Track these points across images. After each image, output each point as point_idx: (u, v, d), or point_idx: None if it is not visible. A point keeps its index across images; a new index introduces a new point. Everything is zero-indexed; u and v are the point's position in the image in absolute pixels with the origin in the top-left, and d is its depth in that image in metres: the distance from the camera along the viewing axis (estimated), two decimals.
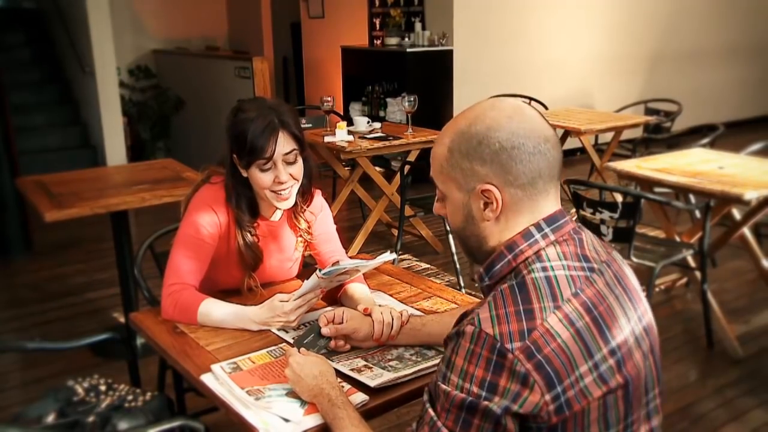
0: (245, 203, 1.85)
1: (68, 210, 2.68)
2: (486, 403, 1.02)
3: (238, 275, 1.91)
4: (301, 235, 1.97)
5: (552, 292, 1.06)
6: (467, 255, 1.26)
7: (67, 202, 2.74)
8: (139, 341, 2.85)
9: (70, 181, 3.11)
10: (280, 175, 1.77)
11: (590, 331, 1.05)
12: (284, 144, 1.76)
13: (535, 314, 1.04)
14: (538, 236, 1.12)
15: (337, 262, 1.68)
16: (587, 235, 1.18)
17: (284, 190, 1.80)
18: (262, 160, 1.75)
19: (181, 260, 1.81)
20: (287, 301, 1.67)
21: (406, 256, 4.55)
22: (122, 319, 3.55)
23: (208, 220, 1.83)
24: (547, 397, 1.01)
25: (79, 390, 1.83)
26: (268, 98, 2.04)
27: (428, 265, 4.39)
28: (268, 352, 1.58)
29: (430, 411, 1.08)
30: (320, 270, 1.62)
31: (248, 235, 1.86)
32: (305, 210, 1.95)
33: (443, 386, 1.07)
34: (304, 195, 1.92)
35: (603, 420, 1.06)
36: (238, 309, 1.74)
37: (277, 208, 1.90)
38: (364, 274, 1.91)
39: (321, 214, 2.00)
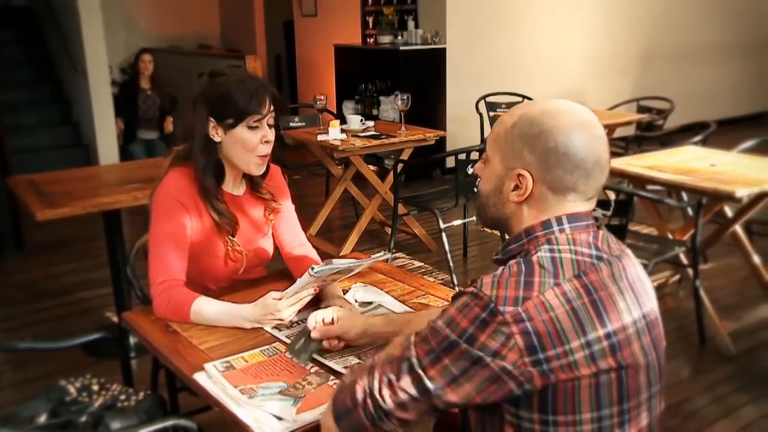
0: (212, 170, 1.86)
1: (60, 209, 2.67)
2: (464, 346, 1.09)
3: (221, 256, 1.92)
4: (267, 207, 1.99)
5: (555, 270, 1.12)
6: (479, 217, 1.32)
7: (58, 202, 2.73)
8: (132, 340, 2.84)
9: (62, 180, 3.10)
10: (268, 134, 1.83)
11: (587, 311, 1.10)
12: (270, 104, 1.82)
13: (533, 286, 1.10)
14: (555, 227, 1.18)
15: (330, 260, 1.68)
16: (604, 232, 1.22)
17: (268, 153, 1.85)
18: (256, 116, 1.79)
19: (163, 257, 1.81)
20: (280, 300, 1.67)
21: (399, 254, 4.55)
22: (115, 319, 3.54)
23: (176, 211, 1.83)
24: (527, 359, 1.07)
25: (72, 390, 1.82)
26: None
27: (422, 264, 4.39)
28: (261, 351, 1.58)
29: (412, 337, 1.16)
30: (313, 268, 1.62)
31: (217, 203, 1.87)
32: (264, 180, 1.98)
33: (430, 325, 1.15)
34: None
35: (595, 400, 1.10)
36: (230, 307, 1.73)
37: (239, 181, 1.94)
38: (358, 273, 1.91)
39: (283, 185, 2.05)
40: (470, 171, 1.32)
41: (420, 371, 1.12)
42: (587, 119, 1.19)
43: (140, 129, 6.15)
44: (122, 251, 3.11)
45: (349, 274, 1.85)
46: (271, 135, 1.83)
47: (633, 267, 1.21)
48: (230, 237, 1.91)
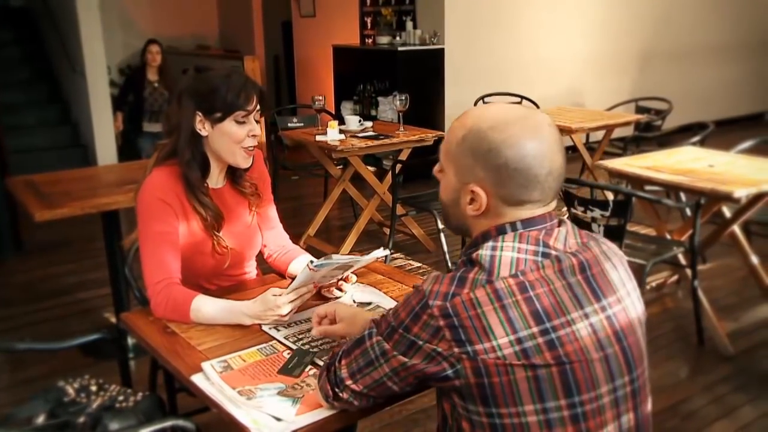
0: (198, 163, 1.87)
1: (59, 210, 2.67)
2: (401, 332, 1.17)
3: (207, 252, 1.92)
4: (249, 198, 2.00)
5: (490, 269, 1.14)
6: (444, 223, 1.36)
7: (57, 202, 2.73)
8: (131, 341, 2.84)
9: (61, 181, 3.10)
10: (255, 129, 1.84)
11: (519, 308, 1.11)
12: (257, 101, 1.84)
13: (466, 283, 1.13)
14: (509, 231, 1.20)
15: (329, 256, 1.67)
16: (565, 228, 1.23)
17: (254, 147, 1.87)
18: (243, 112, 1.81)
19: (157, 256, 1.81)
20: (280, 296, 1.67)
21: (398, 254, 4.55)
22: (113, 319, 3.54)
23: (162, 210, 1.83)
24: (456, 349, 1.12)
25: (70, 390, 1.82)
26: None
27: (420, 264, 4.39)
28: (258, 349, 1.58)
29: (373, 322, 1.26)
30: (312, 262, 1.62)
31: (203, 196, 1.87)
32: (246, 173, 1.98)
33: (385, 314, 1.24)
34: None
35: (536, 393, 1.11)
36: (230, 304, 1.74)
37: (219, 174, 1.95)
38: (356, 273, 1.91)
39: (265, 175, 2.07)
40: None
41: (368, 342, 1.22)
42: (538, 126, 1.18)
43: (146, 122, 5.92)
44: (121, 252, 3.11)
45: (349, 271, 1.85)
46: (257, 129, 1.85)
47: (598, 262, 1.21)
48: (215, 232, 1.91)
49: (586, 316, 1.15)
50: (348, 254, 1.78)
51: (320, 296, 1.89)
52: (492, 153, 1.16)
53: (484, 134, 1.17)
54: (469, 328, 1.10)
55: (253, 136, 1.84)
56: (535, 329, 1.11)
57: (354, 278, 1.93)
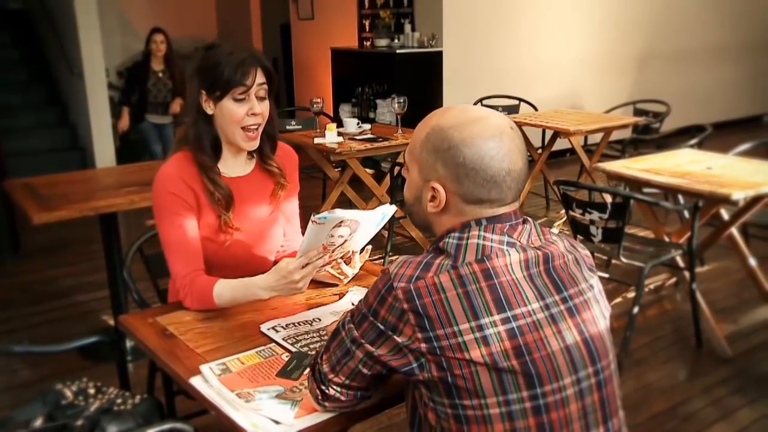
0: (208, 142, 1.86)
1: (56, 212, 2.67)
2: (371, 319, 1.19)
3: (215, 238, 1.90)
4: (277, 182, 1.97)
5: (456, 254, 1.17)
6: (411, 220, 1.37)
7: (55, 205, 2.73)
8: (129, 344, 2.84)
9: (59, 183, 3.10)
10: (255, 107, 1.80)
11: (482, 295, 1.14)
12: (260, 77, 1.80)
13: (431, 268, 1.16)
14: (474, 225, 1.22)
15: (334, 210, 1.58)
16: (529, 225, 1.26)
17: (255, 126, 1.83)
18: (241, 88, 1.78)
19: (178, 251, 1.82)
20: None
21: (396, 257, 4.55)
22: (111, 322, 3.53)
23: (176, 203, 1.83)
24: (419, 335, 1.13)
25: (68, 393, 1.82)
26: None
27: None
28: (257, 352, 1.57)
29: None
30: (314, 214, 1.55)
31: (214, 176, 1.85)
32: (273, 156, 1.96)
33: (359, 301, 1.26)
34: (270, 139, 1.93)
35: (499, 386, 1.13)
36: (246, 281, 1.74)
37: (244, 159, 1.92)
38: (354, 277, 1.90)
39: (294, 161, 2.05)
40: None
41: (342, 332, 1.25)
42: (498, 129, 1.21)
43: (150, 113, 5.76)
44: (119, 254, 3.11)
45: (357, 232, 1.71)
46: (259, 107, 1.81)
47: (560, 256, 1.24)
48: (224, 211, 1.88)
49: (547, 307, 1.17)
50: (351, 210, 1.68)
51: (327, 285, 1.89)
52: (451, 151, 1.20)
53: (445, 133, 1.21)
54: (431, 314, 1.13)
55: (253, 114, 1.81)
56: (496, 317, 1.13)
57: (357, 264, 1.85)
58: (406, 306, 1.14)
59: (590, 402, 1.19)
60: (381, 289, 1.19)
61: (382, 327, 1.18)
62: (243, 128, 1.82)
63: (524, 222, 1.26)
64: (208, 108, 1.83)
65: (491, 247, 1.18)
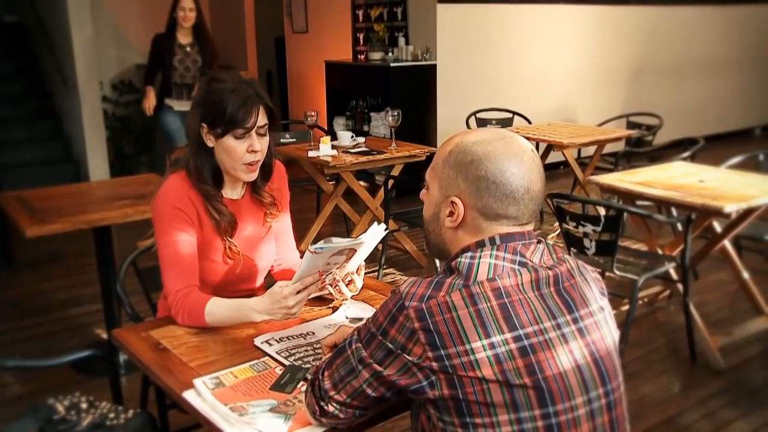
0: (209, 173, 1.87)
1: (50, 226, 2.66)
2: (380, 338, 1.19)
3: (219, 260, 1.92)
4: (267, 209, 1.99)
5: (467, 273, 1.18)
6: (426, 247, 1.39)
7: (48, 218, 2.72)
8: (122, 357, 2.82)
9: (52, 197, 3.09)
10: (255, 144, 1.82)
11: (493, 313, 1.14)
12: (261, 117, 1.83)
13: (443, 287, 1.17)
14: (488, 244, 1.23)
15: (330, 239, 1.66)
16: (543, 246, 1.27)
17: (255, 162, 1.85)
18: (241, 130, 1.79)
19: (174, 266, 1.82)
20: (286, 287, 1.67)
21: (390, 270, 4.55)
22: (105, 335, 3.52)
23: (177, 218, 1.84)
24: (430, 353, 1.14)
25: (60, 408, 1.81)
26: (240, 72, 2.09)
27: (414, 277, 4.38)
28: (250, 366, 1.57)
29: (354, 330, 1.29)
30: (312, 245, 1.61)
31: (218, 204, 1.88)
32: (266, 185, 1.99)
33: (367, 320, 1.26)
34: (265, 169, 1.94)
35: (511, 404, 1.13)
36: (239, 302, 1.75)
37: (239, 185, 1.95)
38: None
39: (285, 191, 2.07)
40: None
41: (349, 350, 1.24)
42: (520, 149, 1.24)
43: (174, 98, 5.00)
44: (112, 268, 3.10)
45: (353, 257, 1.80)
46: (258, 144, 1.83)
47: (571, 277, 1.25)
48: (228, 238, 1.91)
49: (559, 326, 1.18)
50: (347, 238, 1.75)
51: (322, 300, 1.90)
52: (474, 164, 1.22)
53: (468, 148, 1.24)
54: (443, 332, 1.13)
55: (252, 152, 1.83)
56: (508, 335, 1.14)
57: (359, 285, 1.91)
58: (418, 325, 1.15)
59: (600, 423, 1.20)
60: (392, 309, 1.19)
61: (391, 346, 1.18)
62: (243, 163, 1.85)
63: (538, 242, 1.27)
64: (209, 141, 1.85)
65: (503, 266, 1.19)
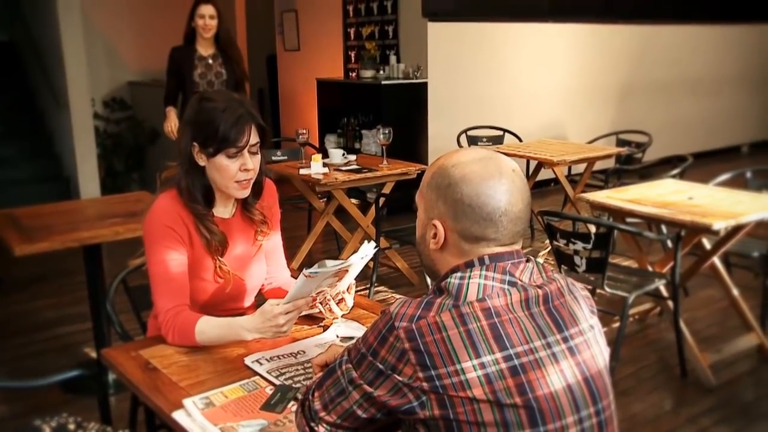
0: (200, 192, 1.87)
1: (39, 244, 2.65)
2: (370, 359, 1.19)
3: (209, 279, 1.92)
4: (257, 228, 2.00)
5: (457, 294, 1.19)
6: (422, 264, 1.39)
7: (38, 236, 2.71)
8: (111, 377, 2.80)
9: (42, 215, 3.08)
10: (248, 163, 1.83)
11: (483, 333, 1.15)
12: (253, 135, 1.83)
13: (432, 307, 1.17)
14: (477, 264, 1.24)
15: (323, 262, 1.68)
16: (532, 264, 1.27)
17: (248, 180, 1.86)
18: (233, 149, 1.80)
19: (165, 284, 1.82)
20: (277, 305, 1.68)
21: (381, 288, 4.54)
22: (94, 355, 3.49)
23: (168, 236, 1.83)
24: (421, 374, 1.14)
25: (47, 430, 1.79)
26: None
27: (404, 297, 4.38)
28: (240, 385, 1.56)
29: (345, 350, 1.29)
30: (306, 269, 1.62)
31: (208, 223, 1.88)
32: (256, 203, 1.99)
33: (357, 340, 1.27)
34: (255, 187, 1.95)
35: (502, 424, 1.12)
36: (230, 320, 1.75)
37: (230, 203, 1.95)
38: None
39: (276, 209, 2.07)
40: None
41: (339, 371, 1.24)
42: (498, 171, 1.24)
43: None
44: (102, 286, 3.08)
45: (346, 277, 1.83)
46: (251, 163, 1.84)
47: (561, 296, 1.25)
48: (219, 257, 1.91)
49: (549, 345, 1.18)
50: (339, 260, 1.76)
51: (312, 319, 1.90)
52: (451, 188, 1.24)
53: (447, 171, 1.25)
54: (433, 352, 1.13)
55: (245, 170, 1.83)
56: (498, 355, 1.14)
57: (349, 304, 1.92)
58: (408, 345, 1.15)
59: None
60: (382, 329, 1.19)
61: (381, 367, 1.18)
62: (236, 181, 1.85)
63: (527, 261, 1.27)
64: (200, 160, 1.85)
65: (492, 286, 1.19)
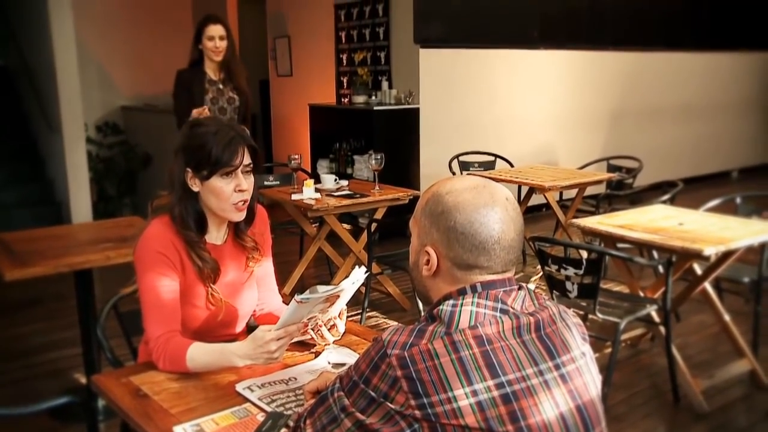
0: (193, 219, 1.87)
1: (30, 269, 2.63)
2: (362, 387, 1.19)
3: (201, 305, 1.92)
4: (249, 254, 2.00)
5: (449, 321, 1.19)
6: (415, 290, 1.40)
7: (29, 261, 2.70)
8: (101, 403, 2.78)
9: (33, 239, 3.07)
10: (242, 183, 1.84)
11: (475, 361, 1.15)
12: (246, 156, 1.85)
13: (425, 335, 1.17)
14: (469, 291, 1.24)
15: (315, 288, 1.69)
16: (524, 292, 1.27)
17: (244, 200, 1.86)
18: (228, 168, 1.81)
19: (156, 310, 1.81)
20: (269, 331, 1.67)
21: (373, 313, 4.53)
22: (84, 380, 3.46)
23: (160, 262, 1.83)
24: (413, 402, 1.14)
25: None
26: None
27: (396, 323, 4.37)
28: (232, 412, 1.55)
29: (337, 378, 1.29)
30: (298, 294, 1.62)
31: (201, 251, 1.88)
32: (248, 229, 1.99)
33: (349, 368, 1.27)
34: (247, 213, 1.95)
35: None
36: (221, 347, 1.74)
37: (222, 229, 1.95)
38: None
39: (267, 236, 2.07)
40: None
41: (331, 398, 1.25)
42: (492, 199, 1.24)
43: None
44: (93, 311, 3.07)
45: (337, 303, 1.83)
46: (245, 184, 1.85)
47: (552, 323, 1.25)
48: (211, 285, 1.91)
49: (541, 373, 1.18)
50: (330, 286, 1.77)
51: (304, 345, 1.89)
52: (444, 215, 1.24)
53: (441, 198, 1.26)
54: (426, 380, 1.13)
55: (240, 191, 1.84)
56: (490, 382, 1.14)
57: (341, 330, 1.92)
58: (400, 373, 1.15)
59: None
60: (374, 357, 1.19)
61: (373, 394, 1.18)
62: (232, 203, 1.86)
63: (519, 288, 1.28)
64: (194, 185, 1.86)
65: (484, 314, 1.20)
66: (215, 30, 3.87)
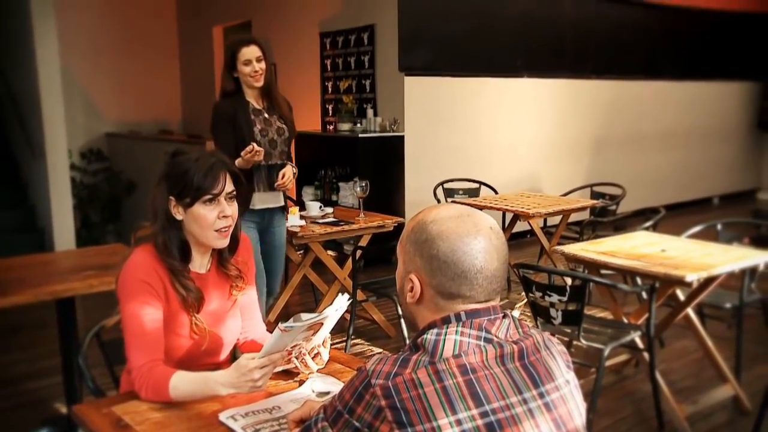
0: (177, 247, 1.87)
1: (11, 297, 2.61)
2: (347, 416, 1.19)
3: (185, 334, 1.91)
4: (233, 282, 1.99)
5: (433, 350, 1.19)
6: (402, 316, 1.39)
7: (10, 289, 2.67)
8: None
9: (15, 267, 3.04)
10: (225, 210, 1.85)
11: (459, 390, 1.15)
12: (228, 183, 1.86)
13: (409, 364, 1.18)
14: (453, 320, 1.24)
15: (299, 316, 1.68)
16: (508, 320, 1.28)
17: (227, 227, 1.87)
18: (210, 195, 1.82)
19: (139, 339, 1.80)
20: (252, 359, 1.66)
21: (358, 340, 4.51)
22: (64, 410, 3.41)
23: (143, 291, 1.82)
24: (397, 431, 1.13)
25: None
26: None
27: (381, 350, 4.36)
28: None
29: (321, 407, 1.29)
30: (282, 323, 1.62)
31: (185, 281, 1.87)
32: (232, 257, 1.99)
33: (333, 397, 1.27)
34: (231, 242, 1.95)
35: None
36: (205, 375, 1.73)
37: (206, 258, 1.95)
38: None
39: (251, 264, 2.07)
40: None
41: (314, 429, 1.25)
42: (475, 228, 1.25)
43: (257, 190, 3.53)
44: (75, 339, 3.04)
45: (320, 331, 1.83)
46: (229, 210, 1.86)
47: (536, 351, 1.25)
48: (195, 314, 1.90)
49: (525, 401, 1.19)
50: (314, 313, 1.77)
51: (288, 373, 1.88)
52: (427, 243, 1.25)
53: (425, 226, 1.27)
54: (410, 409, 1.13)
55: (224, 217, 1.85)
56: (474, 411, 1.14)
57: (325, 358, 1.92)
58: (384, 403, 1.15)
59: None
60: (358, 387, 1.19)
61: (357, 424, 1.18)
62: (215, 230, 1.86)
63: (503, 316, 1.28)
64: (177, 214, 1.86)
65: (468, 343, 1.20)
66: (251, 52, 3.38)
